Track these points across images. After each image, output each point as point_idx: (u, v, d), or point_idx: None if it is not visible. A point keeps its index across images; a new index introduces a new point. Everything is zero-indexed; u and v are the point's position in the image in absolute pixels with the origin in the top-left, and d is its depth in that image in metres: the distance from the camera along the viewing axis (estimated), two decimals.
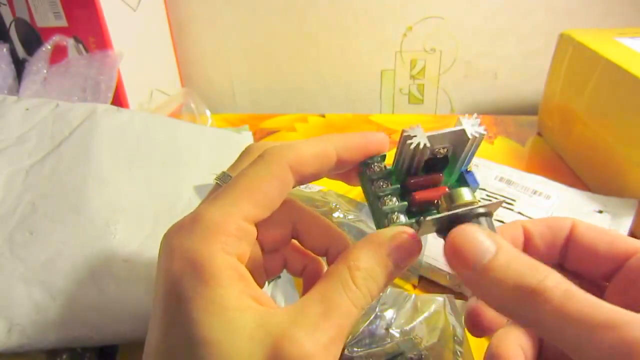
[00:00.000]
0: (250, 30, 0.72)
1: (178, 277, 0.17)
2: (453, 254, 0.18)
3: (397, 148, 0.20)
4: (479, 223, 0.18)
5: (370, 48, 0.71)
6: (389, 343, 0.29)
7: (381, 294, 0.20)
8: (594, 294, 0.15)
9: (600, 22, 0.65)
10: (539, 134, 0.61)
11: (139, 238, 0.32)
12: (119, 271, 0.30)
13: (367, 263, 0.18)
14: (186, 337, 0.16)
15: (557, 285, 0.15)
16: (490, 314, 0.22)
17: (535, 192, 0.44)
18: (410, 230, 0.19)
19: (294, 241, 0.24)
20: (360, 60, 0.73)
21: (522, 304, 0.16)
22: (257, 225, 0.19)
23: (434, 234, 0.20)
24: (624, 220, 0.40)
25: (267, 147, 0.20)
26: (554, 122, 0.56)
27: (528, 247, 0.22)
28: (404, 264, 0.19)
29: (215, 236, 0.18)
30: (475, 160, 0.50)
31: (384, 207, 0.20)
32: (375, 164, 0.21)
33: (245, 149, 0.27)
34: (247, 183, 0.19)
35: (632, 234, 0.40)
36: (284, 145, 0.20)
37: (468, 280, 0.17)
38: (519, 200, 0.43)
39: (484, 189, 0.45)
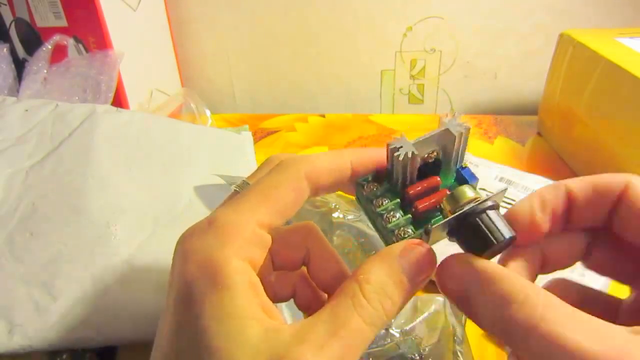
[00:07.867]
0: (250, 30, 0.72)
1: (190, 280, 0.17)
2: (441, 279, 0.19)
3: (387, 162, 0.20)
4: (488, 217, 0.18)
5: (370, 48, 0.71)
6: (388, 343, 0.29)
7: (398, 312, 0.18)
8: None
9: (600, 22, 0.64)
10: (539, 134, 0.61)
11: (139, 238, 0.32)
12: (119, 271, 0.30)
13: (377, 276, 0.17)
14: (193, 342, 0.16)
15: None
16: None
17: None
18: (419, 242, 0.19)
19: (305, 272, 0.24)
20: (360, 60, 0.73)
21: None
22: (273, 239, 0.20)
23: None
24: None
25: (286, 158, 0.21)
26: (554, 122, 0.56)
27: (571, 213, 0.21)
28: (419, 278, 0.18)
29: (231, 240, 0.17)
30: (475, 160, 0.50)
31: (389, 225, 0.20)
32: (368, 183, 0.21)
33: (266, 159, 0.27)
34: (263, 190, 0.19)
35: None
36: (302, 156, 0.20)
37: (455, 300, 0.19)
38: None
39: (483, 189, 0.45)
